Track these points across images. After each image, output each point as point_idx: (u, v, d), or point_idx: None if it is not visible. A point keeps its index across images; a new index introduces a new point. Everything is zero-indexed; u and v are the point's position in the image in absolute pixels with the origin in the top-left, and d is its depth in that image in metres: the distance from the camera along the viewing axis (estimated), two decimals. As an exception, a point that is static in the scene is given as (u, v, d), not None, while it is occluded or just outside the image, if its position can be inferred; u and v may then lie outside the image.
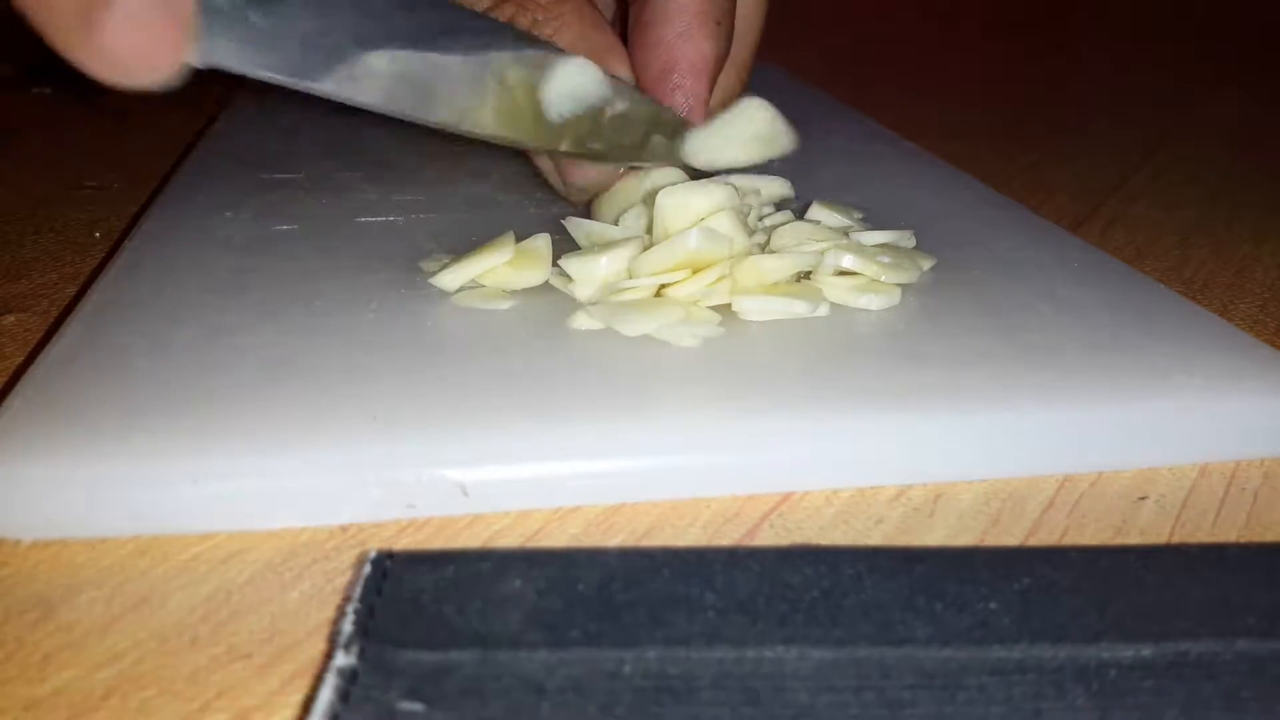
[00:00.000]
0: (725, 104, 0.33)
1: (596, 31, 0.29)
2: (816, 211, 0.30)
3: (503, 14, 0.28)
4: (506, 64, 0.27)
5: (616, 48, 0.29)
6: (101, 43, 0.21)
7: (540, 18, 0.28)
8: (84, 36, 0.21)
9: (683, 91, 0.29)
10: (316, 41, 0.24)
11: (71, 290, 0.32)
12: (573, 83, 0.27)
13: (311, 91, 0.24)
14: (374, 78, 0.25)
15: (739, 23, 0.31)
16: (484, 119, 0.27)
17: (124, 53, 0.21)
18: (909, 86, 0.68)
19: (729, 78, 0.32)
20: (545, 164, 0.32)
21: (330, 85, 0.25)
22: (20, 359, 0.27)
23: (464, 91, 0.26)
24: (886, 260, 0.27)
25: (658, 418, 0.22)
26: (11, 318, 0.30)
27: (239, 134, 0.43)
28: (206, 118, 0.48)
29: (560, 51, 0.27)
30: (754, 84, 0.35)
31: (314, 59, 0.24)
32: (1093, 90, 0.67)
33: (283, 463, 0.20)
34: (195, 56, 0.22)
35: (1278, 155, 0.51)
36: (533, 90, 0.27)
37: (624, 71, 0.29)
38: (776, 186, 0.32)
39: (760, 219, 0.30)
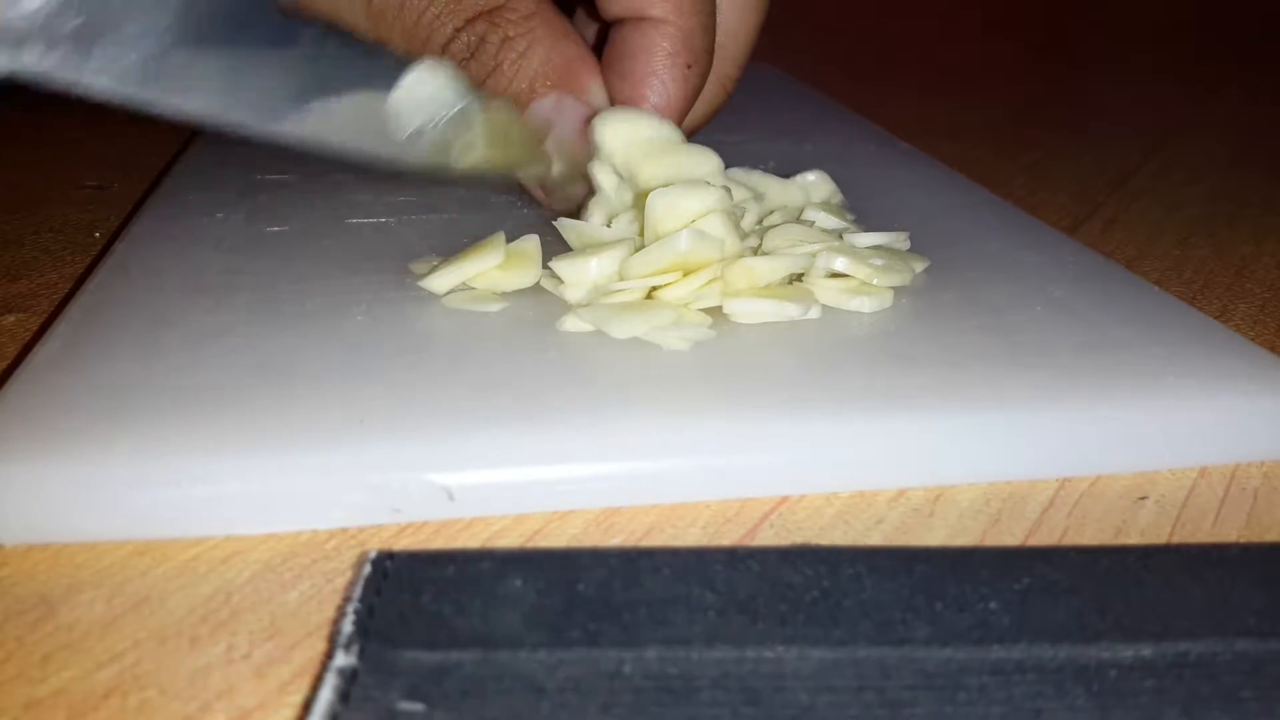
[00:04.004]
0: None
1: (568, 43, 0.29)
2: (810, 213, 0.30)
3: (474, 31, 0.28)
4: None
5: (588, 58, 0.29)
6: None
7: (512, 33, 0.28)
8: None
9: None
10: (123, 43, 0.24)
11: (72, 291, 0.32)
12: (424, 89, 0.27)
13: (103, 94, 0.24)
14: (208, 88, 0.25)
15: (725, 37, 0.31)
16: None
17: None
18: (909, 86, 0.68)
19: (711, 91, 0.32)
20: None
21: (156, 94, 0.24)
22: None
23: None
24: (879, 263, 0.27)
25: (648, 421, 0.22)
26: (11, 318, 0.30)
27: (231, 135, 0.43)
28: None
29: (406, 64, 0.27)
30: (752, 85, 0.35)
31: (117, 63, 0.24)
32: (1093, 90, 0.67)
33: (269, 466, 0.20)
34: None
35: (1278, 155, 0.51)
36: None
37: (596, 82, 0.29)
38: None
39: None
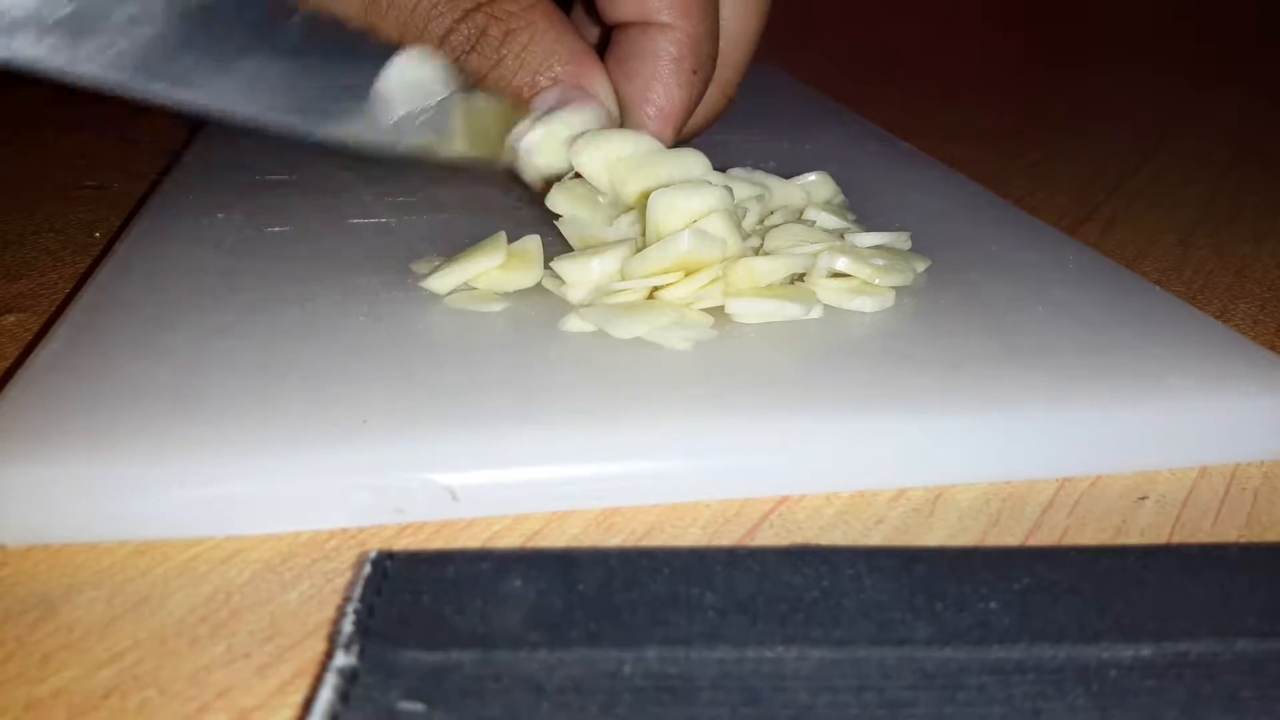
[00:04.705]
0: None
1: (570, 35, 0.29)
2: (812, 213, 0.30)
3: (474, 23, 0.28)
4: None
5: (592, 51, 0.29)
6: None
7: (514, 25, 0.28)
8: None
9: (646, 131, 0.29)
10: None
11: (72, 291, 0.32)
12: (410, 74, 0.28)
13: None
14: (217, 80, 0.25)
15: (727, 44, 0.31)
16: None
17: None
18: (909, 87, 0.68)
19: (713, 97, 0.32)
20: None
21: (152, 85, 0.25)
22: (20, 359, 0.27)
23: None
24: (881, 263, 0.27)
25: (650, 421, 0.22)
26: (11, 318, 0.30)
27: (232, 135, 0.43)
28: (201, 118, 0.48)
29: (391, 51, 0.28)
30: (753, 85, 0.35)
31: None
32: (1093, 90, 0.67)
33: (271, 467, 0.20)
34: None
35: (1278, 155, 0.51)
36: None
37: (602, 75, 0.29)
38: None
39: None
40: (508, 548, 0.20)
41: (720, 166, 0.29)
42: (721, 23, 0.31)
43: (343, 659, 0.16)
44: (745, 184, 0.29)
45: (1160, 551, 0.19)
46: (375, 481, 0.20)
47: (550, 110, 0.29)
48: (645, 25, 0.29)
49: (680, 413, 0.22)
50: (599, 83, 0.29)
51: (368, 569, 0.18)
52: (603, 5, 0.30)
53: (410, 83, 0.28)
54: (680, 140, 0.31)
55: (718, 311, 0.26)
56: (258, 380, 0.23)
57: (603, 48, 0.31)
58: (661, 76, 0.29)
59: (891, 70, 0.74)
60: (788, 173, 0.32)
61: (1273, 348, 0.28)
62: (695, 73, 0.29)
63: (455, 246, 0.29)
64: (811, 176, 0.32)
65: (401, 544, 0.20)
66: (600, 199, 0.28)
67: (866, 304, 0.26)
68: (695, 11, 0.29)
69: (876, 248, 0.28)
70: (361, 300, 0.27)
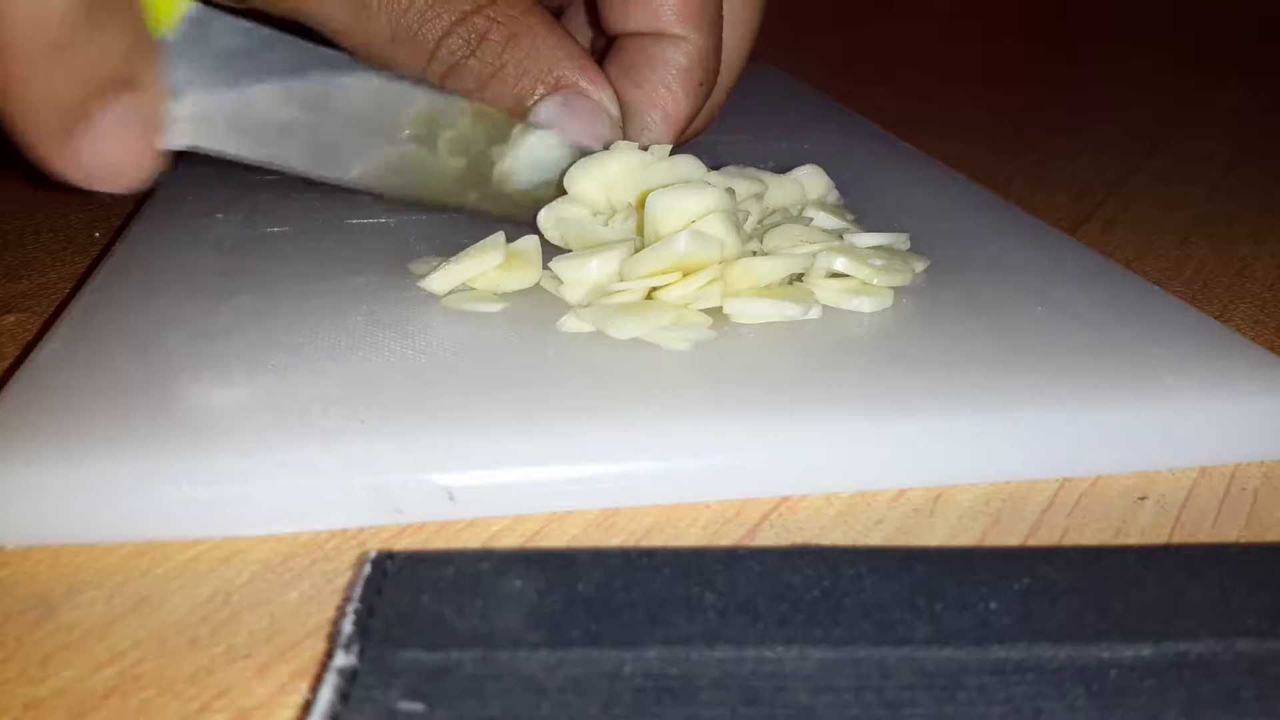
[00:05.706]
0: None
1: (570, 40, 0.29)
2: (810, 212, 0.30)
3: (473, 28, 0.28)
4: (470, 136, 0.28)
5: (590, 56, 0.29)
6: (78, 156, 0.22)
7: (516, 30, 0.28)
8: (61, 148, 0.22)
9: (649, 135, 0.30)
10: (284, 126, 0.26)
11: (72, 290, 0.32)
12: (538, 154, 0.29)
13: (280, 168, 0.27)
14: (345, 160, 0.27)
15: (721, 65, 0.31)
16: (450, 190, 0.29)
17: (100, 166, 0.22)
18: (909, 87, 0.68)
19: (700, 117, 0.32)
20: None
21: (298, 164, 0.27)
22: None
23: (424, 166, 0.28)
24: (879, 263, 0.27)
25: (648, 422, 0.22)
26: (11, 318, 0.30)
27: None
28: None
29: (520, 124, 0.29)
30: (752, 85, 0.35)
31: (282, 142, 0.27)
32: (1093, 90, 0.67)
33: (271, 467, 0.20)
34: (169, 146, 0.24)
35: (1278, 155, 0.51)
36: (491, 163, 0.29)
37: (602, 80, 0.29)
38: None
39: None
40: (508, 548, 0.20)
41: (717, 166, 0.29)
42: None
43: (343, 659, 0.16)
44: (740, 179, 0.30)
45: (1160, 551, 0.19)
46: (374, 481, 0.20)
47: (551, 115, 0.29)
48: (657, 36, 0.29)
49: (680, 413, 0.22)
50: (602, 87, 0.29)
51: (368, 569, 0.18)
52: (611, 16, 0.30)
53: (537, 158, 0.29)
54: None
55: (716, 312, 0.26)
56: (256, 380, 0.23)
57: (597, 58, 0.31)
58: (670, 84, 0.29)
59: (891, 70, 0.74)
60: (785, 172, 0.32)
61: (1273, 348, 0.28)
62: (701, 85, 0.30)
63: (454, 246, 0.29)
64: (804, 170, 0.32)
65: (401, 544, 0.20)
66: (594, 218, 0.28)
67: (865, 304, 0.26)
68: (707, 26, 0.29)
69: (875, 248, 0.28)
70: (360, 301, 0.27)
